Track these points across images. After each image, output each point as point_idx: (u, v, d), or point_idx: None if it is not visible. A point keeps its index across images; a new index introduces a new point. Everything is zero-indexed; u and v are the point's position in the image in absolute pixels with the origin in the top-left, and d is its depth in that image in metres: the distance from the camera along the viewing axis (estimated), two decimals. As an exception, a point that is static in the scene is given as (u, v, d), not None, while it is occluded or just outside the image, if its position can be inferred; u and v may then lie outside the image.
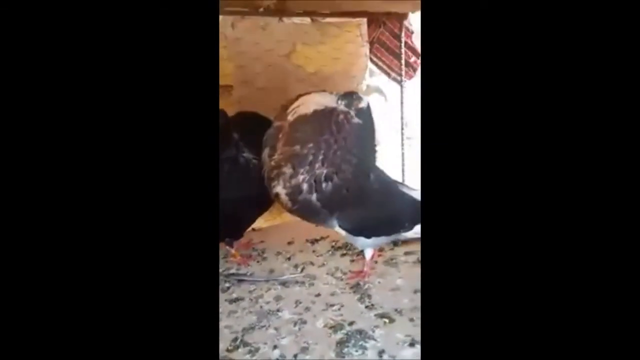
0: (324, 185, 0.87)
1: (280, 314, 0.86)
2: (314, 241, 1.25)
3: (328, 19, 1.45)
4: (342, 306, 0.86)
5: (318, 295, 0.92)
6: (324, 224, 0.95)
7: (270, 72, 1.40)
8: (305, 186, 0.87)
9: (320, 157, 0.86)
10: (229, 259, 1.15)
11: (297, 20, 1.42)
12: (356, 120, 0.89)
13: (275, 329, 0.81)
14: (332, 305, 0.87)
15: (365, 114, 0.91)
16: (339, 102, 0.89)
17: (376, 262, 1.03)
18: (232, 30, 1.33)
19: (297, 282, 1.00)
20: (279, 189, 0.89)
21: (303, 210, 0.91)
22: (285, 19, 1.40)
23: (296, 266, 1.09)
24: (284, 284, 1.00)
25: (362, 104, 0.90)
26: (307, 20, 1.43)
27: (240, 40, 1.35)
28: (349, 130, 0.89)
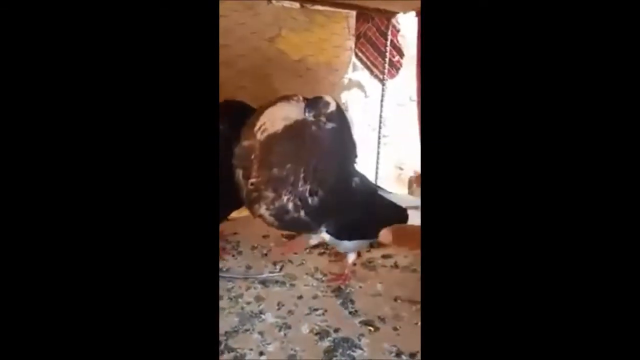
0: (309, 200, 0.85)
1: (263, 316, 0.86)
2: (290, 237, 1.24)
3: (317, 7, 1.40)
4: (326, 311, 0.88)
5: (300, 297, 0.93)
6: (313, 233, 0.95)
7: (254, 55, 1.33)
8: (290, 206, 0.85)
9: (301, 176, 0.84)
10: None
11: (286, 4, 1.35)
12: (329, 125, 0.87)
13: (260, 333, 0.81)
14: (315, 310, 0.88)
15: (338, 116, 0.89)
16: (307, 112, 0.84)
17: (354, 264, 1.05)
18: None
19: (276, 281, 1.00)
20: (262, 211, 0.87)
21: (291, 226, 0.90)
22: (274, 1, 1.32)
23: (275, 264, 1.08)
24: (263, 282, 0.99)
25: (331, 108, 0.87)
26: (297, 5, 1.37)
27: (226, 18, 1.26)
28: (324, 137, 0.86)
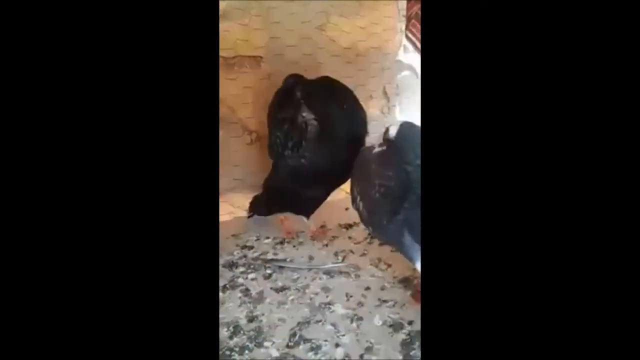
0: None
1: (332, 307, 0.87)
2: (348, 226, 1.24)
3: (367, -10, 1.36)
4: (396, 302, 0.87)
5: (367, 288, 0.93)
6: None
7: (304, 45, 1.31)
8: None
9: None
10: (277, 244, 1.14)
11: (335, -11, 1.32)
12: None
13: (332, 324, 0.82)
14: (385, 301, 0.88)
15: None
16: None
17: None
18: (266, -4, 1.23)
19: (341, 272, 1.00)
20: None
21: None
22: (324, -12, 1.29)
23: (336, 254, 1.08)
24: (328, 273, 1.00)
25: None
26: (346, -11, 1.33)
27: (275, 10, 1.24)
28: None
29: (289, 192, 1.10)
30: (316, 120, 1.01)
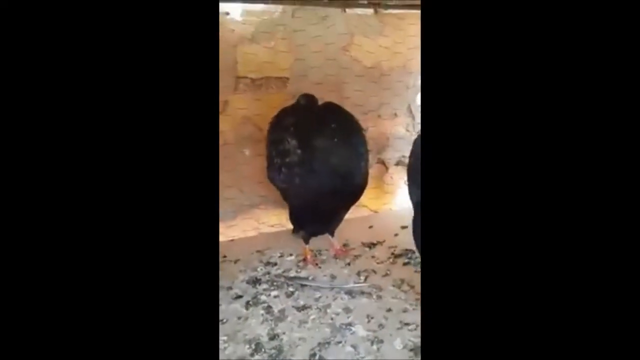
0: None
1: (353, 328, 0.87)
2: (371, 245, 1.24)
3: (390, 10, 1.37)
4: (418, 326, 0.86)
5: (389, 310, 0.92)
6: None
7: (328, 66, 1.34)
8: None
9: None
10: (300, 261, 1.15)
11: (359, 11, 1.35)
12: None
13: (353, 346, 0.81)
14: (407, 324, 0.87)
15: None
16: None
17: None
18: (292, 19, 1.27)
19: (362, 292, 1.00)
20: None
21: None
22: (347, 10, 1.32)
23: (358, 274, 1.08)
24: (349, 293, 1.00)
25: None
26: (370, 11, 1.36)
27: (301, 33, 1.28)
28: None
29: (309, 208, 1.11)
30: (299, 149, 1.03)
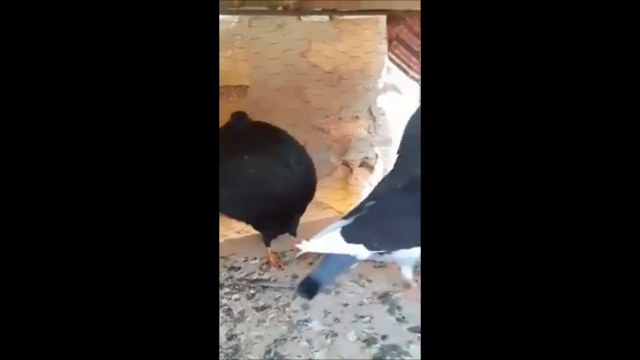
0: None
1: (310, 324, 0.88)
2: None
3: (346, 16, 1.42)
4: (373, 318, 0.87)
5: (346, 305, 0.93)
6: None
7: (287, 72, 1.38)
8: None
9: None
10: (263, 264, 1.16)
11: (315, 18, 1.39)
12: None
13: (307, 341, 0.82)
14: (362, 317, 0.88)
15: None
16: None
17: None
18: (248, 29, 1.30)
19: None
20: None
21: None
22: (303, 18, 1.36)
23: (319, 272, 1.09)
24: (300, 294, 1.00)
25: None
26: (326, 18, 1.40)
27: (257, 41, 1.32)
28: None
29: (253, 218, 1.13)
30: (222, 166, 1.04)
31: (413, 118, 0.94)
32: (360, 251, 0.88)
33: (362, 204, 0.95)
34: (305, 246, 0.87)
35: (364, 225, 0.88)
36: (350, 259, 0.90)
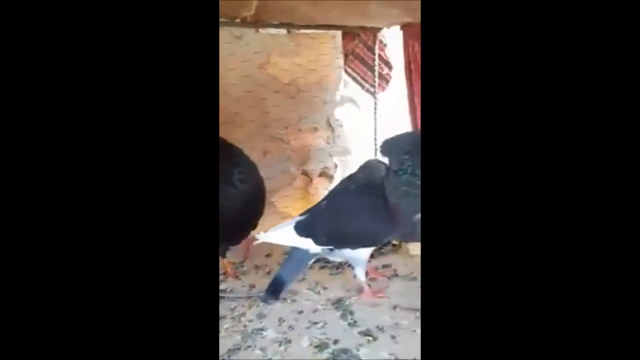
0: None
1: (264, 333, 0.88)
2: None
3: (303, 31, 1.46)
4: (326, 324, 0.89)
5: (301, 312, 0.95)
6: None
7: (246, 83, 1.39)
8: None
9: None
10: (222, 274, 1.15)
11: (273, 31, 1.42)
12: None
13: (261, 349, 0.83)
14: (315, 323, 0.90)
15: None
16: None
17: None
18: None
19: (278, 298, 1.02)
20: None
21: None
22: (261, 30, 1.39)
23: (276, 281, 1.10)
24: (265, 300, 1.01)
25: None
26: (283, 31, 1.43)
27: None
28: None
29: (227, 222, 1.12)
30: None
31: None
32: (310, 245, 0.93)
33: (318, 203, 0.99)
34: (262, 237, 0.94)
35: (315, 221, 0.94)
36: (308, 255, 0.96)
